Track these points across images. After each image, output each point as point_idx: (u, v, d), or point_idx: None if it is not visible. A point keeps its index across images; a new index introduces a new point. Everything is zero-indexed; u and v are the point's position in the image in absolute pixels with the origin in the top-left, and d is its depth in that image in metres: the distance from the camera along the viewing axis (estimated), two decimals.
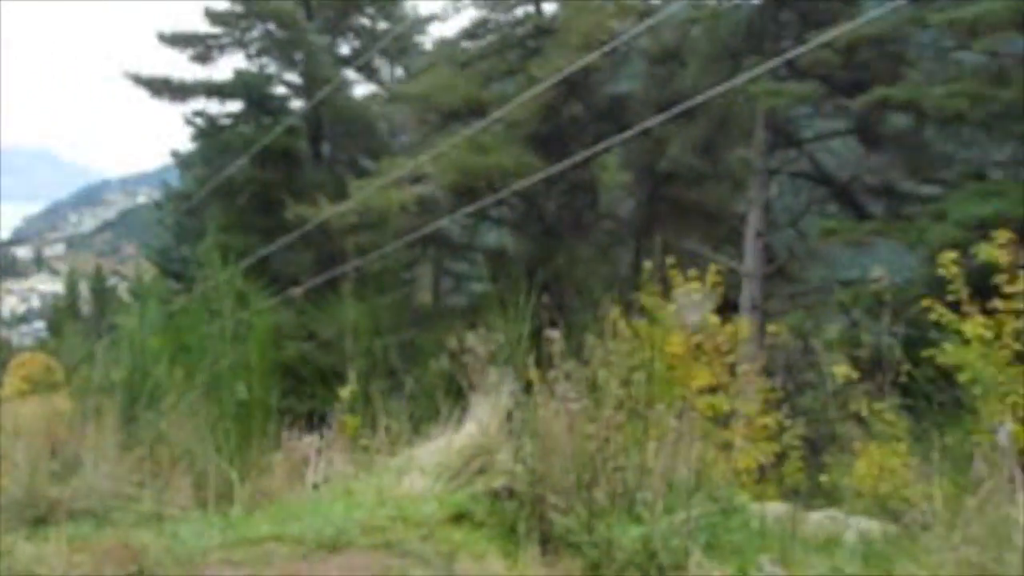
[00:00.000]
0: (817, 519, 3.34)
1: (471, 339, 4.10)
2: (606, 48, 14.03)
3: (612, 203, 22.78)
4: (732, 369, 9.72)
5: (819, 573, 2.66)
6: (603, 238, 21.98)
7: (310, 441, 5.33)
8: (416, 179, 18.92)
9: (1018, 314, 7.50)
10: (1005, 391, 7.25)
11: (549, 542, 2.90)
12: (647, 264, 9.92)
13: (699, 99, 9.55)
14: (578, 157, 12.39)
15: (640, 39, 19.40)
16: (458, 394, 4.16)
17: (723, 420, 8.76)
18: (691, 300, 8.40)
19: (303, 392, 11.89)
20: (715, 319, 9.90)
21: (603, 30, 17.85)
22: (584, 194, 21.65)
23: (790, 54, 13.19)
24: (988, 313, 7.61)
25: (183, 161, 27.46)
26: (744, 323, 12.58)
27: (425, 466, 3.77)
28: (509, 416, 3.57)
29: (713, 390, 9.19)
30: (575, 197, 21.59)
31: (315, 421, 5.91)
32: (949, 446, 3.69)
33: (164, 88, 24.10)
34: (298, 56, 24.40)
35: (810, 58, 16.30)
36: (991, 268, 7.81)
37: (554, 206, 21.64)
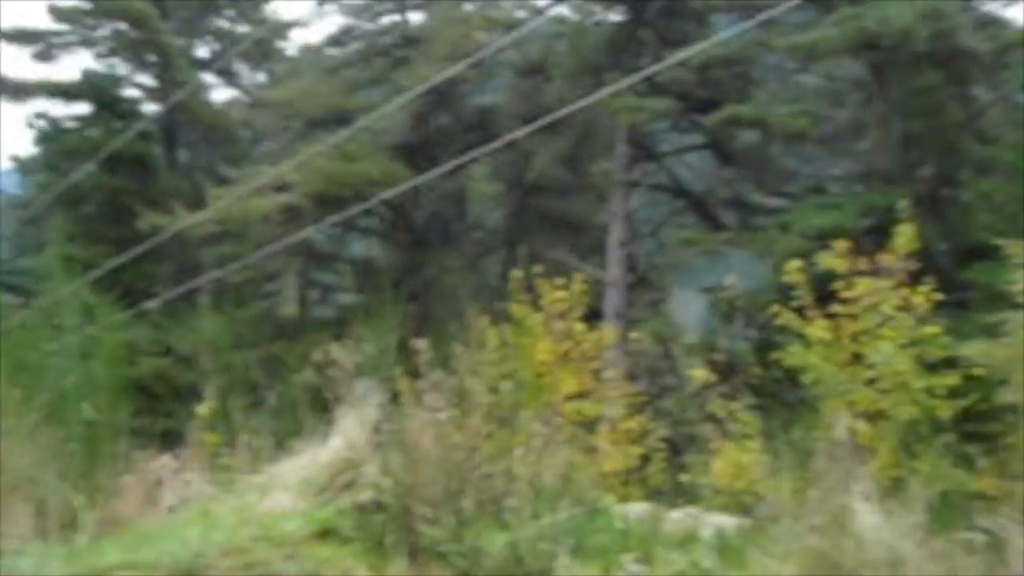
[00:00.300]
0: (677, 517, 3.47)
1: (337, 351, 4.02)
2: (472, 59, 14.15)
3: (481, 214, 22.96)
4: (598, 375, 9.98)
5: (678, 569, 2.76)
6: (472, 248, 22.10)
7: (165, 462, 5.06)
8: (280, 187, 18.39)
9: (855, 318, 8.11)
10: (844, 389, 7.80)
11: (417, 553, 2.87)
12: (515, 274, 10.03)
13: (563, 112, 9.77)
14: (446, 167, 12.41)
15: (506, 52, 19.68)
16: (324, 408, 4.06)
17: (590, 425, 8.95)
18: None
19: (158, 410, 11.25)
20: (581, 326, 10.15)
21: (469, 41, 17.99)
22: (453, 204, 21.71)
23: (648, 71, 13.74)
24: (829, 317, 8.18)
25: (24, 166, 25.52)
26: (609, 330, 12.97)
27: (289, 483, 3.66)
28: (376, 428, 3.51)
29: (580, 396, 9.39)
30: (444, 207, 21.61)
31: (171, 441, 5.62)
32: (795, 442, 3.92)
33: (2, 87, 22.37)
34: (152, 57, 23.22)
35: (668, 76, 17.04)
36: (831, 275, 8.41)
37: (423, 216, 21.57)
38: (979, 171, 14.36)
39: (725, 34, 16.44)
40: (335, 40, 23.18)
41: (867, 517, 2.60)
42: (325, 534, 3.15)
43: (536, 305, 9.76)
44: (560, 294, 9.94)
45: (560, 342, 9.77)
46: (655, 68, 13.31)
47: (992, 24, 15.88)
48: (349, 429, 3.60)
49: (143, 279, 19.14)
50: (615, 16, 19.22)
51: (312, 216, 17.77)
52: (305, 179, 18.27)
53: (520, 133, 14.50)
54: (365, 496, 3.11)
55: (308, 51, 24.14)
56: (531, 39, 19.67)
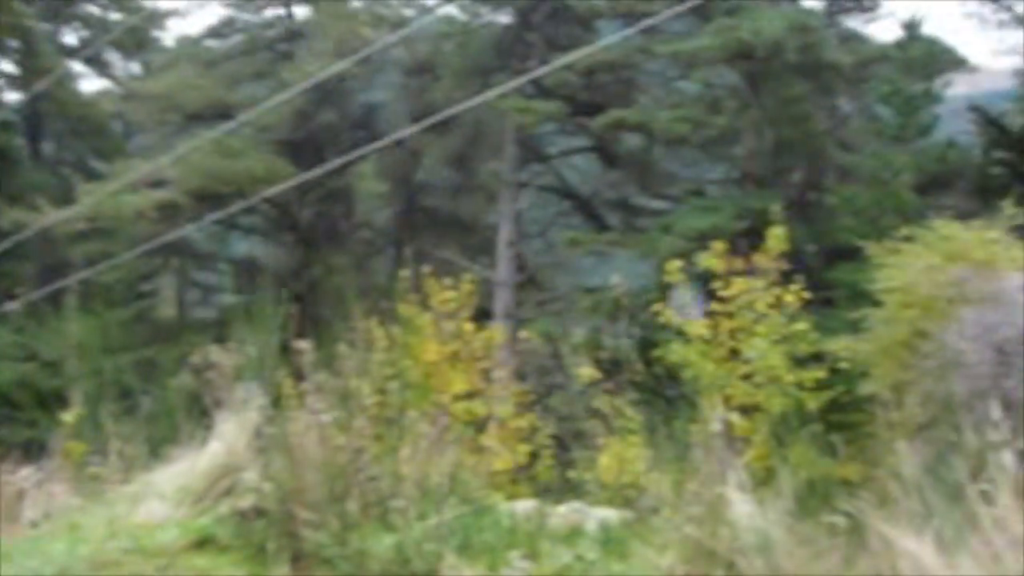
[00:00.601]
0: (563, 512, 3.53)
1: (216, 353, 3.87)
2: (359, 56, 13.93)
3: (369, 212, 22.64)
4: (487, 375, 10.03)
5: (564, 562, 2.81)
6: (360, 247, 21.78)
7: (27, 474, 4.74)
8: (155, 183, 17.58)
9: (732, 315, 8.48)
10: (721, 384, 8.14)
11: (301, 559, 2.81)
12: (403, 273, 9.95)
13: (451, 112, 9.79)
14: (332, 164, 12.18)
15: (394, 50, 19.48)
16: (202, 413, 3.91)
17: (479, 424, 8.98)
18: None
19: (20, 419, 10.53)
20: (470, 326, 10.17)
21: (356, 38, 17.72)
22: (340, 203, 21.33)
23: (534, 74, 13.91)
24: (707, 315, 8.52)
25: None
26: (498, 330, 13.06)
27: (164, 491, 3.50)
28: (258, 432, 3.41)
29: (469, 396, 9.41)
30: (330, 205, 21.20)
31: (34, 451, 5.28)
32: (675, 436, 4.05)
33: None
34: (13, 42, 21.72)
35: (555, 79, 17.31)
36: (709, 275, 8.76)
37: (308, 214, 21.09)
38: (843, 177, 15.28)
39: (609, 39, 16.85)
40: (215, 32, 22.35)
41: (741, 506, 2.73)
42: (203, 543, 3.03)
43: (425, 305, 9.71)
44: (449, 294, 9.92)
45: (449, 342, 9.75)
46: (542, 71, 13.50)
47: (854, 39, 16.94)
48: (229, 434, 3.48)
49: (4, 279, 17.89)
50: (503, 18, 19.37)
51: (191, 214, 17.07)
52: (183, 175, 17.53)
53: (408, 132, 14.41)
54: (245, 502, 3.02)
55: (186, 42, 23.16)
56: (419, 38, 19.56)
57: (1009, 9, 15.28)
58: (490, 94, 11.37)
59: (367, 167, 20.79)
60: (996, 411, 2.78)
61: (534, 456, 9.73)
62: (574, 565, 2.74)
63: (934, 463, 2.94)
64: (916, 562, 2.45)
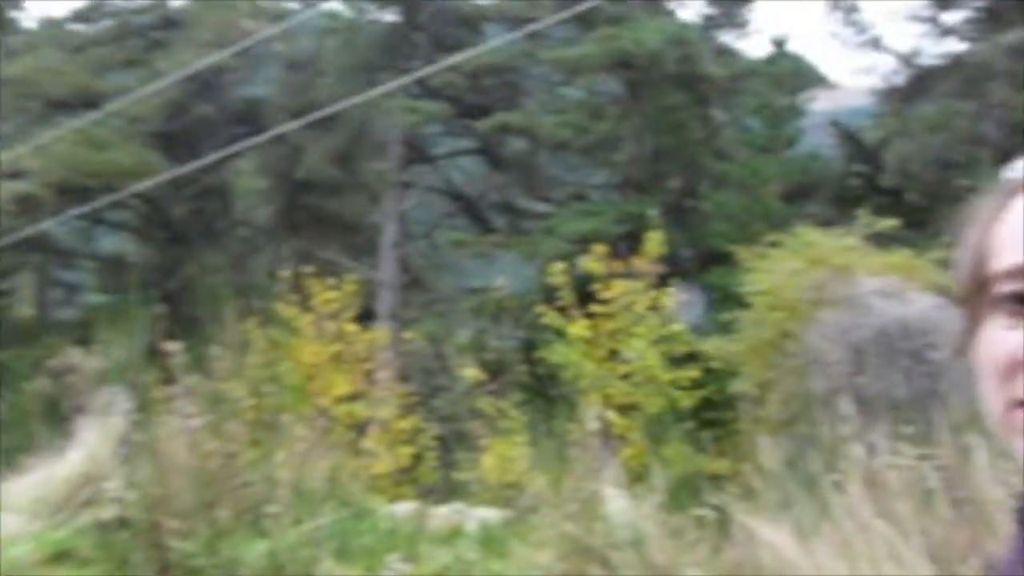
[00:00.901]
0: (444, 513, 3.53)
1: (78, 356, 3.66)
2: (238, 48, 13.47)
3: (247, 210, 21.89)
4: (370, 376, 9.89)
5: (443, 563, 2.81)
6: (237, 246, 21.03)
7: None
8: (13, 174, 16.42)
9: (612, 317, 8.70)
10: (601, 384, 8.34)
11: (167, 570, 2.69)
12: (283, 273, 9.67)
13: (335, 109, 9.61)
14: (209, 159, 11.72)
15: (275, 43, 18.94)
16: (61, 419, 3.69)
17: (362, 427, 8.85)
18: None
19: None
20: (353, 327, 10.01)
21: (235, 29, 17.12)
22: (216, 199, 20.53)
23: (420, 73, 13.85)
24: (589, 316, 8.71)
25: None
26: (382, 331, 12.90)
27: (18, 503, 3.27)
28: (123, 440, 3.24)
29: (352, 398, 9.25)
30: (206, 202, 20.38)
31: None
32: (555, 435, 4.13)
33: None
34: None
35: (441, 80, 17.27)
36: (591, 277, 8.96)
37: (182, 211, 20.20)
38: (716, 184, 15.95)
39: (495, 42, 16.96)
40: (81, 15, 21.09)
41: (616, 502, 2.81)
42: (61, 557, 2.85)
43: (306, 306, 9.48)
44: (331, 294, 9.73)
45: (331, 343, 9.57)
46: (427, 71, 13.46)
47: (727, 54, 17.72)
48: (91, 441, 3.29)
49: None
50: (389, 16, 19.17)
51: (52, 207, 16.04)
52: (45, 166, 16.45)
53: (289, 127, 14.04)
54: (107, 513, 2.86)
55: (49, 25, 21.74)
56: (302, 33, 19.10)
57: (865, 32, 16.37)
58: (374, 92, 11.24)
59: (246, 163, 20.12)
60: (848, 407, 2.97)
61: (418, 458, 9.67)
62: (453, 566, 2.75)
63: (794, 457, 3.11)
64: (775, 550, 2.59)
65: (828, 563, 2.44)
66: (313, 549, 2.53)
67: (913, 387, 5.01)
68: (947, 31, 15.61)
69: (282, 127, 13.38)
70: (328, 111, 10.19)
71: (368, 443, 7.80)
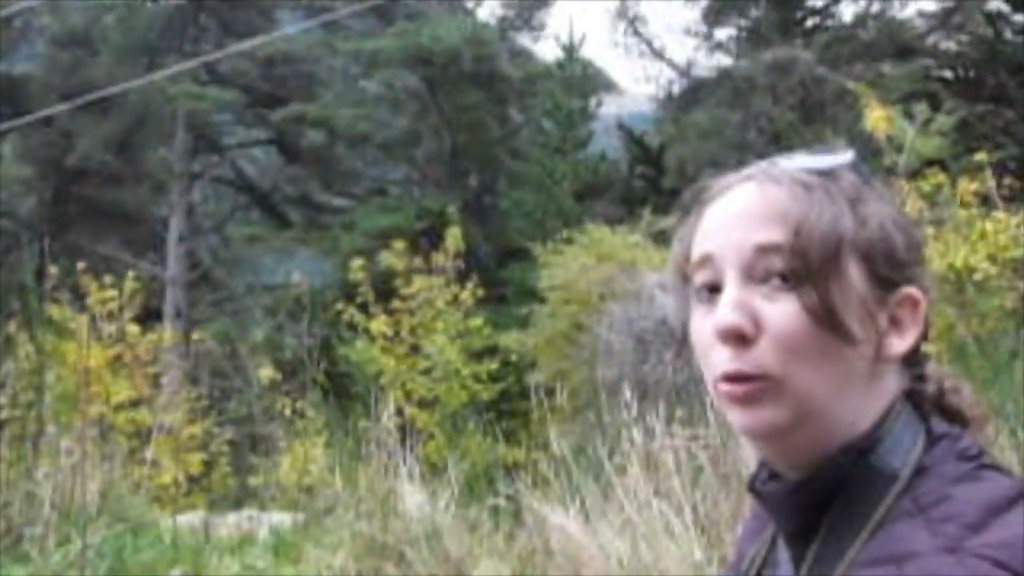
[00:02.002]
0: (235, 521, 3.38)
1: None
2: None
3: (9, 200, 19.68)
4: (155, 380, 9.28)
5: (232, 573, 2.69)
6: None
7: None
8: None
9: (412, 312, 8.72)
10: (403, 380, 8.34)
11: None
12: (54, 270, 8.97)
13: (110, 91, 8.89)
14: None
15: (41, 17, 17.18)
16: None
17: (146, 434, 8.32)
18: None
19: None
20: (135, 328, 9.34)
21: None
22: None
23: (207, 58, 13.13)
24: (390, 313, 8.68)
25: None
26: (168, 331, 12.10)
27: None
28: None
29: (135, 404, 8.65)
30: None
31: None
32: (353, 434, 4.08)
33: None
34: None
35: (231, 66, 16.45)
36: (391, 273, 8.93)
37: None
38: (513, 182, 16.42)
39: (289, 29, 16.42)
40: None
41: (412, 497, 2.82)
42: None
43: (80, 305, 8.81)
44: (110, 293, 9.08)
45: (110, 346, 8.95)
46: (216, 55, 12.77)
47: (523, 55, 18.28)
48: None
49: None
50: None
51: None
52: None
53: (58, 109, 12.81)
54: None
55: None
56: (72, 7, 17.46)
57: (649, 43, 17.52)
58: (156, 75, 10.51)
59: (6, 147, 18.09)
60: (628, 393, 3.18)
61: (209, 465, 9.22)
62: (242, 574, 2.64)
63: (582, 443, 3.28)
64: (564, 533, 2.72)
65: (611, 542, 2.60)
66: (80, 571, 2.33)
67: (688, 373, 5.44)
68: (717, 46, 17.05)
69: (49, 109, 12.17)
70: (102, 93, 9.40)
71: (152, 452, 7.31)
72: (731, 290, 0.75)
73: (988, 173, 6.00)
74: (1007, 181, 6.07)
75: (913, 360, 0.79)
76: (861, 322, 0.75)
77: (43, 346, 7.58)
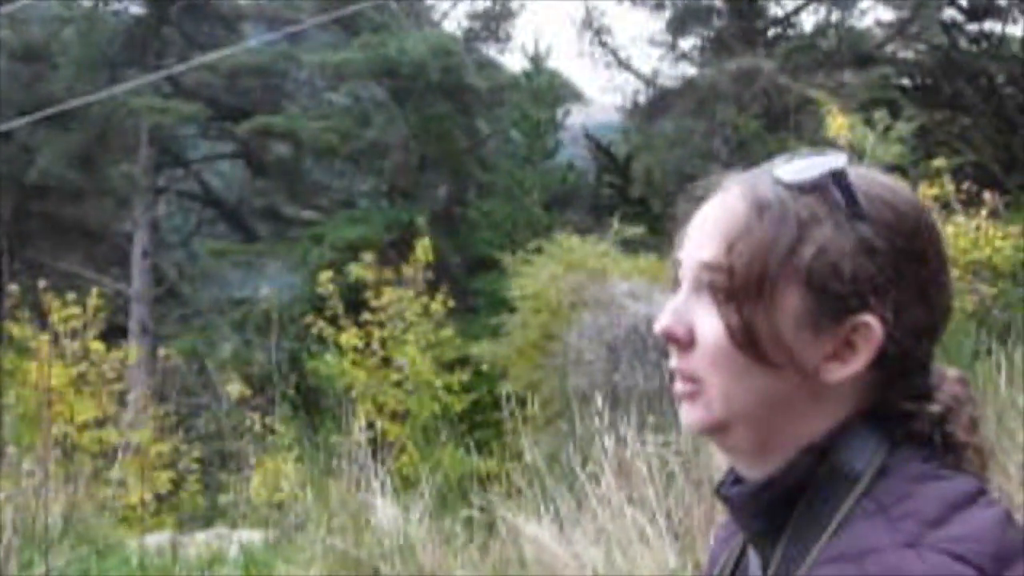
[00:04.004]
0: (204, 539, 3.32)
1: None
2: None
3: None
4: (122, 398, 9.14)
5: None
6: None
7: None
8: None
9: (383, 325, 8.68)
10: (373, 392, 8.29)
11: None
12: (15, 288, 8.85)
13: (71, 105, 8.76)
14: None
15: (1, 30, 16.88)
16: None
17: (112, 454, 8.19)
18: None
19: None
20: (100, 345, 9.19)
21: None
22: None
23: (170, 71, 13.00)
24: (360, 325, 8.63)
25: None
26: (133, 348, 11.92)
27: None
28: None
29: (100, 423, 8.52)
30: None
31: None
32: (324, 448, 4.04)
33: None
34: None
35: (195, 79, 16.30)
36: (361, 285, 8.88)
37: None
38: (482, 193, 16.44)
39: (252, 42, 16.31)
40: None
41: (384, 511, 2.80)
42: None
43: (43, 324, 8.68)
44: (73, 310, 8.95)
45: (74, 364, 8.81)
46: (179, 68, 12.65)
47: (490, 66, 18.33)
48: None
49: None
50: (135, 9, 17.78)
51: None
52: None
53: (18, 124, 12.60)
54: None
55: None
56: (31, 19, 17.20)
57: (614, 53, 17.65)
58: (118, 89, 10.38)
59: None
60: (600, 401, 3.19)
61: (177, 483, 9.10)
62: None
63: (554, 452, 3.28)
64: (539, 543, 2.72)
65: (585, 551, 2.60)
66: None
67: (659, 380, 5.47)
68: (682, 56, 17.24)
69: (8, 124, 11.96)
70: (63, 107, 9.26)
71: (118, 471, 7.19)
72: (678, 298, 0.80)
73: (947, 179, 6.12)
74: (965, 186, 6.20)
75: (898, 376, 0.77)
76: (788, 348, 0.75)
77: (2, 365, 7.43)
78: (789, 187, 0.77)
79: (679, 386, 0.80)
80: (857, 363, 0.76)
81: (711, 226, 0.79)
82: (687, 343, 0.78)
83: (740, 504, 0.80)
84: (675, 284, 0.82)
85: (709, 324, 0.77)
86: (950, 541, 0.68)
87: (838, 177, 0.77)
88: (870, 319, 0.75)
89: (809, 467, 0.76)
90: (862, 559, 0.69)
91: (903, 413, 0.78)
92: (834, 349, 0.75)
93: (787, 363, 0.75)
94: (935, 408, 0.78)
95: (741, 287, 0.75)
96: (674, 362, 0.80)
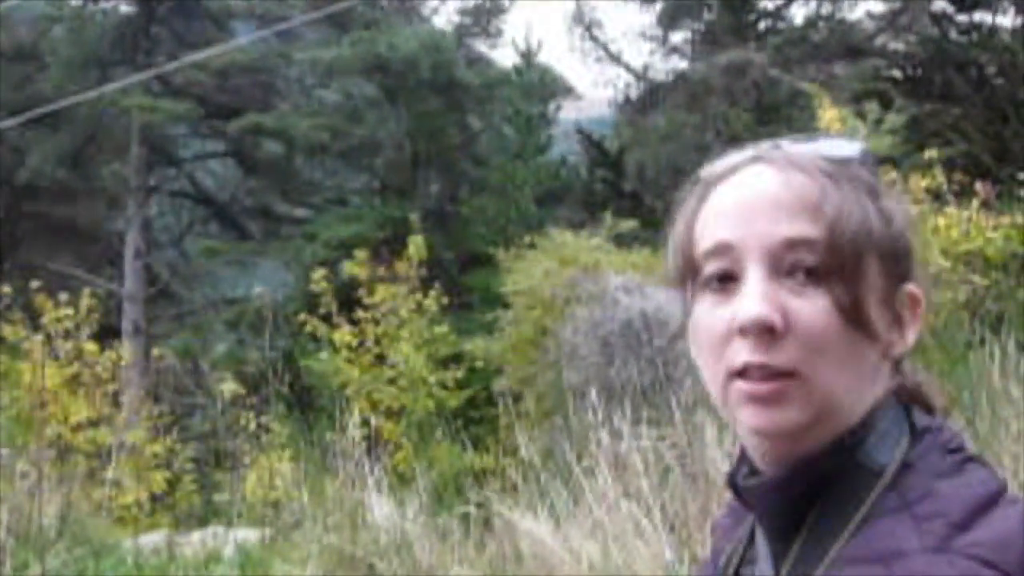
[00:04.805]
0: (200, 539, 3.32)
1: None
2: None
3: None
4: (115, 398, 9.13)
5: None
6: None
7: None
8: None
9: (377, 322, 8.68)
10: (368, 390, 8.29)
11: None
12: (7, 289, 8.84)
13: (61, 105, 8.72)
14: None
15: None
16: None
17: (107, 454, 8.18)
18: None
19: None
20: (93, 346, 9.17)
21: None
22: None
23: (160, 70, 12.94)
24: (353, 323, 8.62)
25: None
26: (127, 349, 11.89)
27: None
28: None
29: (94, 423, 8.51)
30: None
31: None
32: (320, 446, 4.04)
33: None
34: None
35: (186, 78, 16.22)
36: (354, 283, 8.88)
37: None
38: (474, 189, 16.43)
39: (243, 39, 16.25)
40: None
41: (380, 508, 2.80)
42: None
43: (35, 325, 8.67)
44: (65, 311, 8.93)
45: (67, 365, 8.80)
46: (169, 67, 12.60)
47: (481, 62, 18.30)
48: None
49: None
50: (125, 7, 17.69)
51: None
52: None
53: (8, 124, 12.54)
54: None
55: None
56: (19, 20, 17.10)
57: (605, 48, 17.64)
58: (108, 88, 10.34)
59: None
60: (595, 396, 3.19)
61: (173, 483, 9.10)
62: None
63: (550, 447, 3.28)
64: (534, 539, 2.72)
65: (581, 545, 2.60)
66: None
67: (653, 374, 5.48)
68: (673, 50, 17.24)
69: None
70: (53, 107, 9.22)
71: (113, 472, 7.17)
72: (758, 282, 0.71)
73: (938, 170, 6.14)
74: (957, 177, 6.22)
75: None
76: (881, 319, 0.73)
77: None
78: (841, 162, 0.76)
79: (763, 387, 0.70)
80: (913, 333, 0.76)
81: (788, 201, 0.73)
82: (782, 332, 0.70)
83: (759, 498, 0.76)
84: (689, 267, 0.76)
85: (810, 307, 0.71)
86: (979, 546, 0.66)
87: (866, 156, 0.78)
88: (915, 289, 0.76)
89: (835, 461, 0.73)
90: (890, 563, 0.67)
91: (910, 389, 0.78)
92: (893, 320, 0.75)
93: (885, 335, 0.73)
94: (911, 380, 0.79)
95: (850, 263, 0.71)
96: (756, 357, 0.70)
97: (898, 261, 0.75)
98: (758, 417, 0.72)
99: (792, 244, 0.72)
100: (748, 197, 0.74)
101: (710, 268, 0.75)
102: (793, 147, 0.77)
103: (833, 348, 0.71)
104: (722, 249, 0.74)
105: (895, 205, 0.76)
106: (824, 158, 0.75)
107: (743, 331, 0.71)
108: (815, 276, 0.71)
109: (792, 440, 0.73)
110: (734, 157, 0.78)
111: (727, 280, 0.74)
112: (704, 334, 0.75)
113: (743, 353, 0.71)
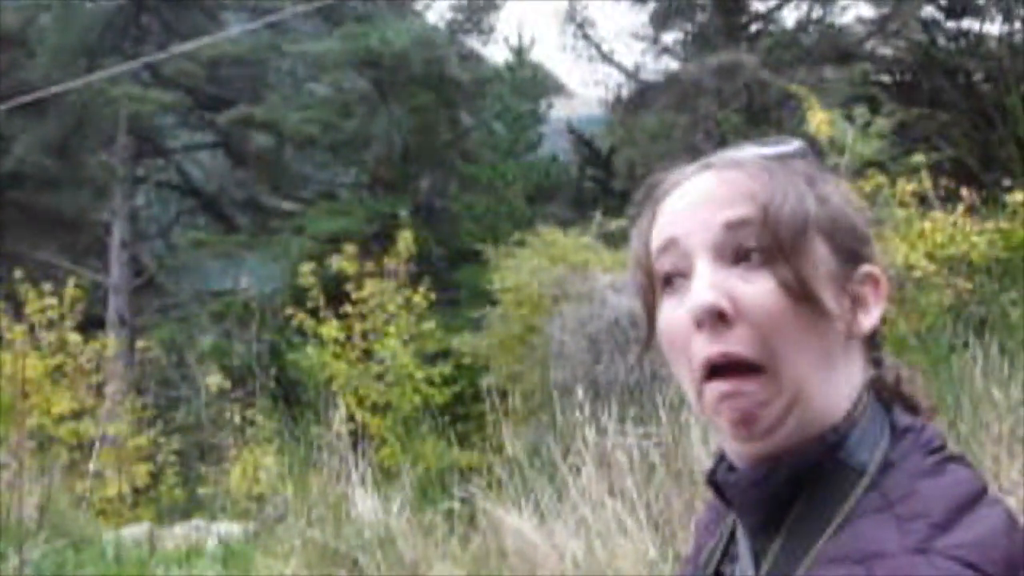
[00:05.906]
0: (182, 532, 3.30)
1: None
2: None
3: None
4: (99, 390, 9.06)
5: None
6: None
7: None
8: None
9: (364, 317, 8.65)
10: (355, 385, 8.27)
11: None
12: None
13: (47, 92, 8.65)
14: None
15: None
16: None
17: (89, 446, 8.13)
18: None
19: None
20: (77, 337, 9.11)
21: None
22: None
23: (149, 59, 12.85)
24: (341, 317, 8.60)
25: None
26: (111, 340, 11.81)
27: None
28: None
29: (77, 415, 8.46)
30: None
31: None
32: (305, 440, 4.02)
33: None
34: None
35: (175, 68, 16.12)
36: (342, 277, 8.85)
37: None
38: (464, 185, 16.40)
39: (234, 30, 16.16)
40: None
41: (365, 503, 2.79)
42: None
43: (18, 314, 8.61)
44: (49, 301, 8.86)
45: (51, 356, 8.73)
46: (158, 57, 12.51)
47: (472, 58, 18.27)
48: None
49: None
50: None
51: None
52: None
53: None
54: None
55: None
56: (6, 5, 16.94)
57: (597, 47, 17.64)
58: (96, 76, 10.25)
59: None
60: (581, 394, 3.19)
61: (156, 476, 9.05)
62: None
63: (536, 445, 3.28)
64: (519, 535, 2.72)
65: (566, 542, 2.60)
66: None
67: (640, 372, 5.49)
68: (665, 50, 17.26)
69: None
70: (39, 95, 9.14)
71: (95, 464, 7.13)
72: (705, 272, 0.73)
73: (925, 174, 6.18)
74: (943, 182, 6.26)
75: (873, 344, 0.80)
76: (834, 296, 0.74)
77: None
78: (778, 157, 0.79)
79: (728, 385, 0.71)
80: (875, 312, 0.77)
81: (724, 193, 0.75)
82: (732, 318, 0.71)
83: (739, 495, 0.76)
84: (646, 275, 0.77)
85: (756, 290, 0.72)
86: (960, 547, 0.67)
87: (804, 151, 0.80)
88: (875, 269, 0.78)
89: (816, 459, 0.73)
90: (871, 563, 0.67)
91: (890, 386, 0.79)
92: (852, 300, 0.76)
93: (839, 312, 0.74)
94: (892, 375, 0.80)
95: (789, 241, 0.73)
96: (715, 347, 0.71)
97: (845, 241, 0.77)
98: (731, 413, 0.73)
99: (731, 225, 0.74)
100: (689, 197, 0.77)
101: (662, 267, 0.77)
102: (737, 151, 0.80)
103: (786, 328, 0.72)
104: (669, 244, 0.76)
105: (832, 188, 0.78)
106: (762, 156, 0.78)
107: (697, 323, 0.72)
108: (761, 260, 0.73)
109: (768, 433, 0.73)
110: (684, 170, 0.81)
111: (681, 278, 0.75)
112: (668, 336, 0.76)
113: (704, 348, 0.73)
